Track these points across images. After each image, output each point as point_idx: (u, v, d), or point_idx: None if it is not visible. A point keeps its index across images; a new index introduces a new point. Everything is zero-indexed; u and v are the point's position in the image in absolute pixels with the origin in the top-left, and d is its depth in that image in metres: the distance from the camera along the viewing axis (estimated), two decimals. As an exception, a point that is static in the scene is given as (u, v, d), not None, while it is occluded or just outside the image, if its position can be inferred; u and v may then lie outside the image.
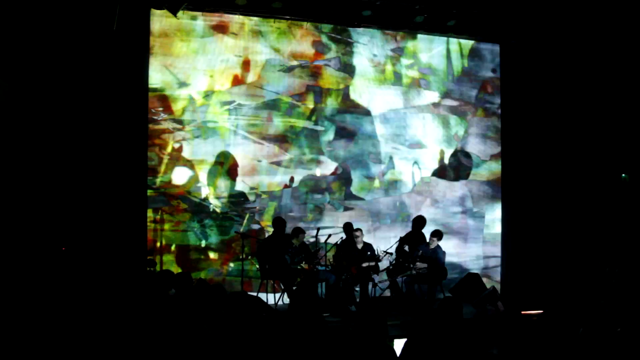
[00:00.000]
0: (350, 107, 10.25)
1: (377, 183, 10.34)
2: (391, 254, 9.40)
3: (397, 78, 10.50)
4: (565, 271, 9.92)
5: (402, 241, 9.52)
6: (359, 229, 9.35)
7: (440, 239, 9.48)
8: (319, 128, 10.08)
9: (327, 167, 10.10)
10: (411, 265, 9.24)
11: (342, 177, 10.16)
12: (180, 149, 9.33)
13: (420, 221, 9.80)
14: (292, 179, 9.90)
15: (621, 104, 9.95)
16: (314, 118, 10.05)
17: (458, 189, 10.78)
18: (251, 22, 9.73)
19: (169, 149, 9.28)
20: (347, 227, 9.41)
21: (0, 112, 7.70)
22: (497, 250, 10.82)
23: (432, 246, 9.38)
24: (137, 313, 5.19)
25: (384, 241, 9.78)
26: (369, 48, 10.36)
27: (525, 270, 10.24)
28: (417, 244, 9.44)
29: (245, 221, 9.59)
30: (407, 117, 10.54)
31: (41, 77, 7.89)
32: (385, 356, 3.92)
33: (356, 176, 10.24)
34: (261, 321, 4.24)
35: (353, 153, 10.23)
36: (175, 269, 8.64)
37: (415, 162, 10.54)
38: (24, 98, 7.81)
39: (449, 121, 10.77)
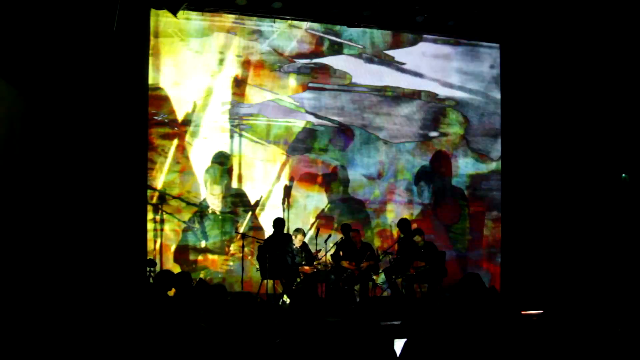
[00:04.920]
0: (349, 106, 10.26)
1: (374, 182, 10.36)
2: (391, 253, 9.39)
3: (397, 77, 10.50)
4: (565, 271, 9.92)
5: (400, 244, 9.47)
6: (356, 230, 9.34)
7: (423, 235, 9.40)
8: (318, 128, 10.08)
9: (326, 167, 10.11)
10: (411, 265, 9.24)
11: (342, 177, 10.17)
12: (180, 149, 9.33)
13: (406, 224, 9.66)
14: (292, 179, 9.90)
15: (621, 103, 9.95)
16: (313, 117, 10.05)
17: (457, 188, 10.79)
18: (251, 22, 9.74)
19: (168, 149, 9.28)
20: (345, 228, 9.40)
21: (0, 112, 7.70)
22: (497, 250, 10.81)
23: (421, 244, 9.31)
24: (137, 313, 5.19)
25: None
26: (369, 48, 10.36)
27: (525, 270, 10.23)
28: (411, 248, 9.34)
29: (245, 221, 9.60)
30: (407, 117, 10.55)
31: (41, 78, 7.88)
32: (385, 356, 3.92)
33: (355, 176, 10.24)
34: (261, 321, 4.24)
35: (353, 152, 10.24)
36: (175, 269, 8.64)
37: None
38: (24, 98, 7.81)
39: (449, 120, 10.77)
